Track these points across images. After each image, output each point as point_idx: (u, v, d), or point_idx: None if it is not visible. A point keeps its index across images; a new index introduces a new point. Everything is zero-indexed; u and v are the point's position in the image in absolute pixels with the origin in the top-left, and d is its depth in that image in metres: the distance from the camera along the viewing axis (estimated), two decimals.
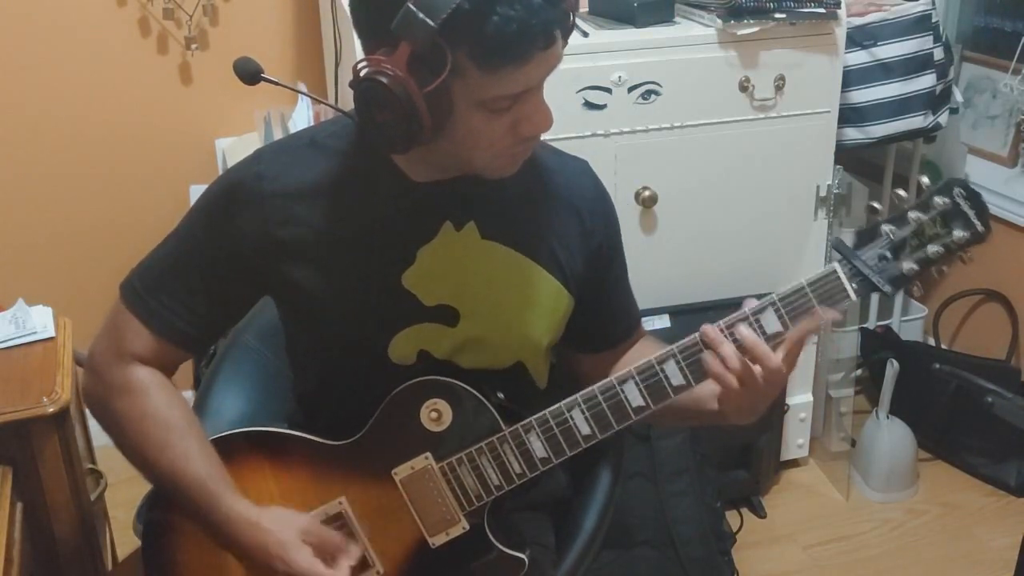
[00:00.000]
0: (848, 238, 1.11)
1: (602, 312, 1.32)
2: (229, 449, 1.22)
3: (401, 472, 1.19)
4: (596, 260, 1.27)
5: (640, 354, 1.33)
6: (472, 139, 1.07)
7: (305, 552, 1.14)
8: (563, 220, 1.24)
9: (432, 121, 1.01)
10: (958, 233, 1.08)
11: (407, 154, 1.11)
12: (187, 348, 1.24)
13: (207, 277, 1.19)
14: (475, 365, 1.22)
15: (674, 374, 1.12)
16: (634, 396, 1.13)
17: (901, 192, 1.11)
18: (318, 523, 1.19)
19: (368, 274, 1.18)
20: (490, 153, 1.08)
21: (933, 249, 1.09)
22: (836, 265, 1.09)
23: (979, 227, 1.08)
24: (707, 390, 1.16)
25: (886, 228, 1.09)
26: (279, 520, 1.16)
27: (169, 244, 1.23)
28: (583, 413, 1.14)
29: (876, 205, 1.12)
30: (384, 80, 0.99)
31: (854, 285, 1.09)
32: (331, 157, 1.19)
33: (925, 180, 1.11)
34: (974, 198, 1.09)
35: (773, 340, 1.09)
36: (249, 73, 1.20)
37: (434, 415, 1.17)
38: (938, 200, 1.08)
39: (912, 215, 1.09)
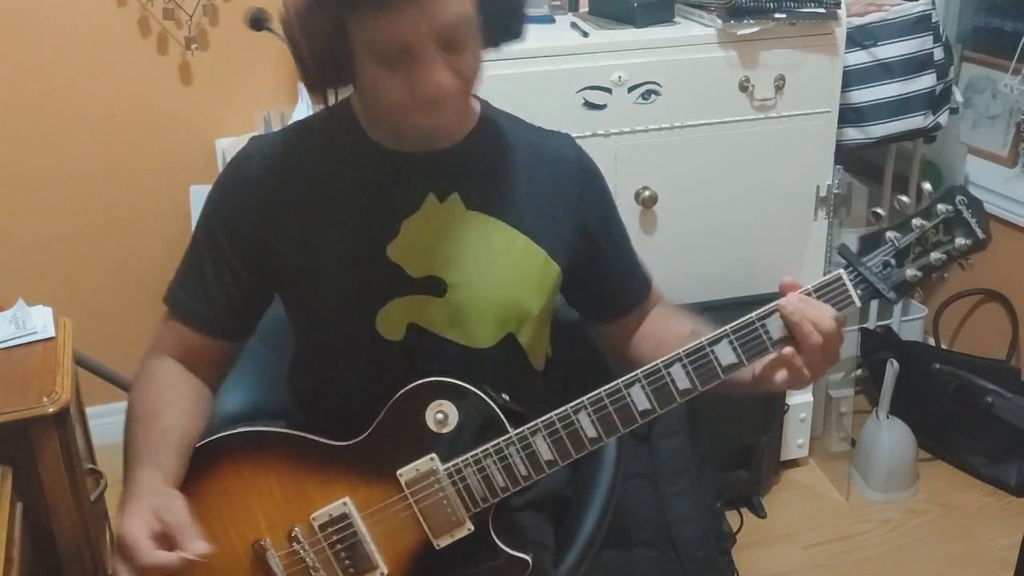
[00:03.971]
0: (851, 241, 1.12)
1: (605, 282, 1.34)
2: (232, 448, 1.22)
3: (406, 473, 1.18)
4: (587, 230, 1.29)
5: (662, 325, 1.35)
6: (374, 93, 1.10)
7: (138, 522, 1.08)
8: (548, 192, 1.26)
9: (332, 57, 1.06)
10: (960, 241, 1.10)
11: (360, 106, 1.19)
12: (213, 334, 1.27)
13: (216, 262, 1.24)
14: (465, 339, 1.23)
15: (680, 378, 1.12)
16: (640, 400, 1.13)
17: (904, 198, 1.12)
18: (181, 506, 1.12)
19: (353, 247, 1.20)
20: (395, 113, 1.10)
21: (936, 256, 1.10)
22: (842, 271, 1.10)
23: (980, 235, 1.10)
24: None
25: (890, 235, 1.10)
26: (146, 491, 1.13)
27: (191, 240, 1.28)
28: (589, 416, 1.14)
29: (880, 211, 1.13)
30: (286, 12, 1.07)
31: (859, 291, 1.10)
32: (316, 137, 1.25)
33: (928, 187, 1.11)
34: (975, 206, 1.10)
35: (779, 345, 1.11)
36: (256, 20, 1.25)
37: (440, 416, 1.17)
38: (941, 207, 1.10)
39: (915, 222, 1.10)
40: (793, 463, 2.56)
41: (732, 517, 2.36)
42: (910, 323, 2.85)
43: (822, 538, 2.35)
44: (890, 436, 2.46)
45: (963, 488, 2.51)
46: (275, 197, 1.22)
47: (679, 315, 1.35)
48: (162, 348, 1.28)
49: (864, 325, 2.75)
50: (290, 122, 2.28)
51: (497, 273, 1.23)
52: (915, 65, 2.30)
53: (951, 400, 2.51)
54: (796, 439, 2.50)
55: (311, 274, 1.21)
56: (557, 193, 1.27)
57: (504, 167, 1.25)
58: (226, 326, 1.28)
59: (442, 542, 1.19)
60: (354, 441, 1.20)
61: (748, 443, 2.37)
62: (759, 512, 2.42)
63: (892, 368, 2.40)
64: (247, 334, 1.32)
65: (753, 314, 1.11)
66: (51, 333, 1.65)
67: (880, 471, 2.46)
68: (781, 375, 1.12)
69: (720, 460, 2.30)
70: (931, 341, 2.85)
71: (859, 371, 2.72)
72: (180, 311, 1.27)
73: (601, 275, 1.33)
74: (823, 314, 1.09)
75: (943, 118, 2.41)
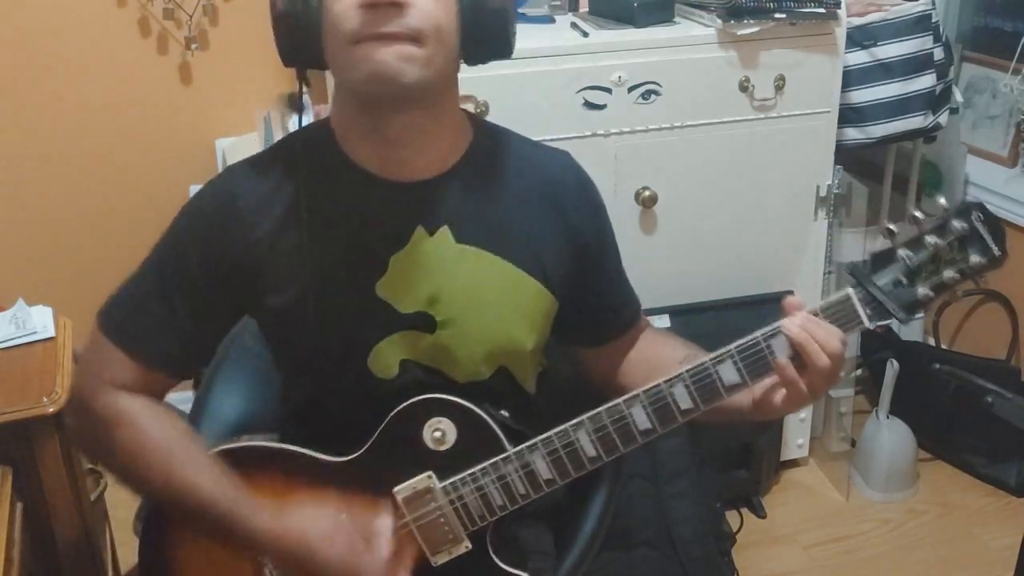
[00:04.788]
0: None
1: (599, 306, 1.31)
2: (227, 464, 1.19)
3: (403, 491, 1.16)
4: (584, 255, 1.25)
5: (651, 354, 1.33)
6: (331, 25, 1.06)
7: (335, 548, 1.12)
8: (544, 218, 1.22)
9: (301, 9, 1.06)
10: (975, 259, 1.06)
11: (341, 122, 1.16)
12: (171, 372, 1.21)
13: (188, 299, 1.16)
14: (458, 374, 1.19)
15: (683, 398, 1.10)
16: (641, 420, 1.11)
17: (918, 214, 1.07)
18: (339, 518, 1.16)
19: (341, 285, 1.15)
20: (347, 43, 1.05)
21: (949, 274, 1.06)
22: (850, 290, 1.07)
23: (996, 252, 1.06)
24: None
25: (902, 253, 1.06)
26: (300, 525, 1.14)
27: (145, 270, 1.19)
28: (589, 436, 1.12)
29: (892, 228, 1.08)
30: None
31: (868, 311, 1.07)
32: (299, 166, 1.17)
33: (943, 201, 1.06)
34: (992, 222, 1.06)
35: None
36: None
37: (437, 434, 1.16)
38: (956, 224, 1.05)
39: (929, 239, 1.06)
40: (793, 463, 2.56)
41: (732, 517, 2.35)
42: (910, 323, 2.85)
43: (822, 538, 2.35)
44: (890, 436, 2.46)
45: (963, 488, 2.51)
46: (262, 236, 1.15)
47: (670, 340, 1.32)
48: (109, 382, 1.18)
49: None
50: (290, 128, 2.29)
51: (489, 310, 1.18)
52: (915, 65, 2.30)
53: (951, 400, 2.51)
54: (796, 439, 2.50)
55: (298, 312, 1.16)
56: (554, 217, 1.22)
57: (497, 194, 1.20)
58: (187, 364, 1.23)
59: (439, 559, 1.18)
60: (350, 457, 1.19)
61: (748, 443, 2.37)
62: (759, 512, 2.42)
63: (892, 368, 2.40)
64: (196, 370, 1.29)
65: (758, 333, 1.08)
66: (51, 333, 1.65)
67: (880, 471, 2.46)
68: (780, 396, 1.10)
69: (720, 460, 2.30)
70: (931, 341, 2.85)
71: (859, 371, 2.72)
72: (137, 349, 1.17)
73: (596, 298, 1.29)
74: (830, 336, 1.06)
75: (943, 118, 2.40)
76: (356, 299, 1.15)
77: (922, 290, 1.07)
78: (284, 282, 1.15)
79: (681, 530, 2.05)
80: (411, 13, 1.04)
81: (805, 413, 2.47)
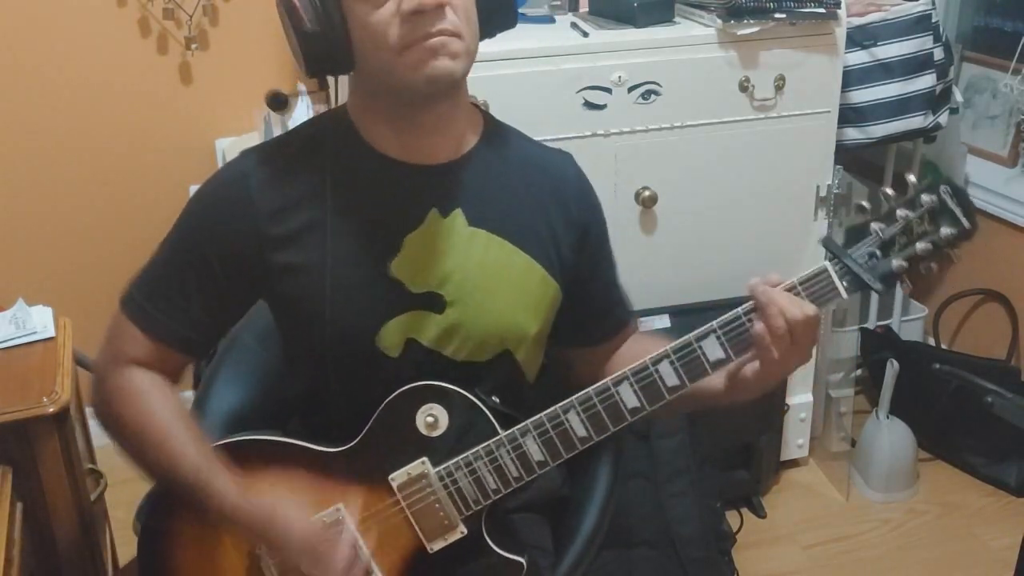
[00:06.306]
0: (837, 236, 1.12)
1: (592, 304, 1.33)
2: (225, 458, 1.20)
3: (398, 478, 1.18)
4: (583, 250, 1.28)
5: (637, 351, 1.33)
6: (369, 37, 1.09)
7: (301, 527, 1.14)
8: (549, 210, 1.25)
9: (325, 15, 1.08)
10: (945, 230, 1.10)
11: (361, 110, 1.19)
12: (187, 352, 1.24)
13: (202, 280, 1.19)
14: (461, 354, 1.21)
15: (668, 375, 1.12)
16: (629, 397, 1.13)
17: (889, 191, 1.12)
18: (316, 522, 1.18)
19: (355, 263, 1.18)
20: (394, 52, 1.08)
21: (921, 246, 1.10)
22: (827, 264, 1.10)
23: (965, 224, 1.09)
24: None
25: (875, 226, 1.10)
26: (271, 503, 1.16)
27: (163, 249, 1.23)
28: (579, 416, 1.14)
29: (865, 204, 1.13)
30: None
31: (844, 283, 1.09)
32: (315, 149, 1.21)
33: (912, 178, 1.11)
34: (960, 195, 1.10)
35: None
36: (276, 100, 1.22)
37: (430, 420, 1.17)
38: (925, 198, 1.10)
39: (900, 213, 1.10)
40: (793, 463, 2.56)
41: (732, 517, 2.36)
42: (910, 323, 2.85)
43: (822, 538, 2.35)
44: (890, 436, 2.46)
45: (963, 488, 2.51)
46: (275, 216, 1.18)
47: (656, 339, 1.33)
48: (126, 358, 1.22)
49: (864, 325, 2.75)
50: (290, 125, 2.30)
51: (496, 293, 1.21)
52: (915, 65, 2.30)
53: (951, 400, 2.51)
54: (796, 439, 2.50)
55: (312, 291, 1.18)
56: (558, 211, 1.26)
57: (507, 183, 1.24)
58: (203, 344, 1.26)
59: (435, 546, 1.19)
60: (346, 447, 1.20)
61: (748, 443, 2.37)
62: (759, 512, 2.42)
63: (892, 368, 2.40)
64: (210, 349, 1.31)
65: (739, 308, 1.12)
66: (51, 333, 1.65)
67: (880, 471, 2.46)
68: (753, 369, 1.11)
69: (720, 460, 2.30)
70: (931, 341, 2.85)
71: (859, 371, 2.72)
72: (152, 327, 1.21)
73: (589, 299, 1.32)
74: (791, 303, 1.08)
75: (943, 118, 2.41)
76: (370, 278, 1.18)
77: (896, 262, 1.10)
78: (301, 259, 1.18)
79: (681, 529, 2.05)
80: (450, 10, 1.08)
81: (805, 413, 2.47)
